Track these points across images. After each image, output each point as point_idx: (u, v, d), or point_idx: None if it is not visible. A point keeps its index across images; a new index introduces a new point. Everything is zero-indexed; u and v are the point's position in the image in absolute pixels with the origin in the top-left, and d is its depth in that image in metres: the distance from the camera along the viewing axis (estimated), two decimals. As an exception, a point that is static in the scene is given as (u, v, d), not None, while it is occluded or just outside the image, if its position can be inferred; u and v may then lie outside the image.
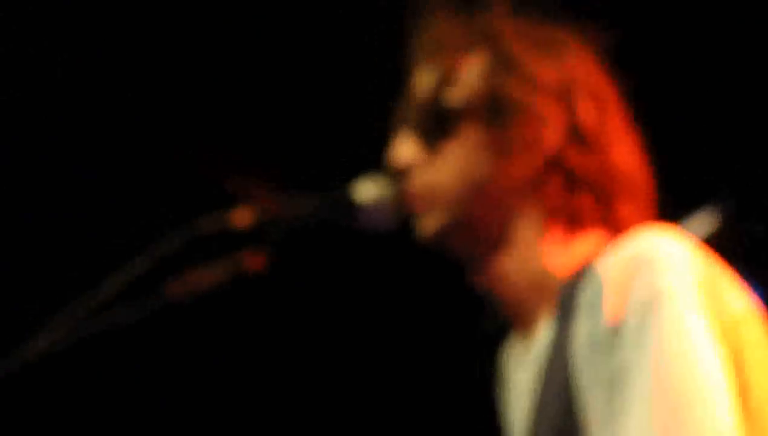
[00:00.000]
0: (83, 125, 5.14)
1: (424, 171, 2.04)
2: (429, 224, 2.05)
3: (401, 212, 2.06)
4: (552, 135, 2.01)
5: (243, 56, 4.88)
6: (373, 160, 2.10)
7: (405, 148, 2.06)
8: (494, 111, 2.03)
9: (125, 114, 5.11)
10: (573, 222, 2.01)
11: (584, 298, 1.80)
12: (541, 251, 2.00)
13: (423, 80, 2.09)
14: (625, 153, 2.07)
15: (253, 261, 1.87)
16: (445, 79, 2.06)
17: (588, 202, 2.02)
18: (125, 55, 4.91)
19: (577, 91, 2.06)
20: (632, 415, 1.65)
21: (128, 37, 4.74)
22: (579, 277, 1.89)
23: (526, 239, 2.02)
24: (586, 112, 2.04)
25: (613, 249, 1.82)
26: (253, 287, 1.85)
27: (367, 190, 2.05)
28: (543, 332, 1.96)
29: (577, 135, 2.03)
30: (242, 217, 1.91)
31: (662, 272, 1.72)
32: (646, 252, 1.75)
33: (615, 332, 1.70)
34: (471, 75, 2.06)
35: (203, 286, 1.82)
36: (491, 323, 2.02)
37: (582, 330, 1.77)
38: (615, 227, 2.00)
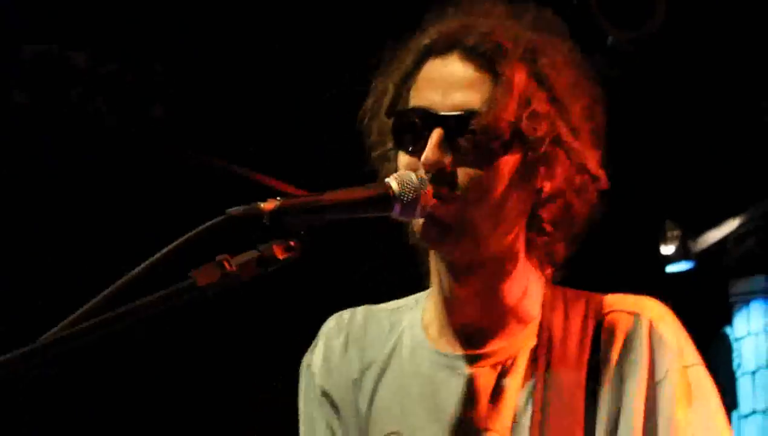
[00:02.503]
0: (123, 121, 5.15)
1: (451, 180, 2.10)
2: (447, 247, 2.18)
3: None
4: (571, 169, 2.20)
5: (280, 63, 4.92)
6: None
7: (438, 152, 2.07)
8: (532, 145, 2.12)
9: (163, 112, 5.13)
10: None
11: (623, 349, 2.17)
12: (524, 274, 2.21)
13: (463, 92, 2.10)
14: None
15: (283, 251, 1.85)
16: (485, 100, 2.08)
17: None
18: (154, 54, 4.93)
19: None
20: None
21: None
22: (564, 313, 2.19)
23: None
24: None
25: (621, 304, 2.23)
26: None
27: (405, 183, 2.04)
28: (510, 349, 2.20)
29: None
30: (271, 207, 1.88)
31: (682, 353, 2.20)
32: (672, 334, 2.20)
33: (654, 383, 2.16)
34: (508, 100, 2.09)
35: (232, 275, 1.79)
36: None
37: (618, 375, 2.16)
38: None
